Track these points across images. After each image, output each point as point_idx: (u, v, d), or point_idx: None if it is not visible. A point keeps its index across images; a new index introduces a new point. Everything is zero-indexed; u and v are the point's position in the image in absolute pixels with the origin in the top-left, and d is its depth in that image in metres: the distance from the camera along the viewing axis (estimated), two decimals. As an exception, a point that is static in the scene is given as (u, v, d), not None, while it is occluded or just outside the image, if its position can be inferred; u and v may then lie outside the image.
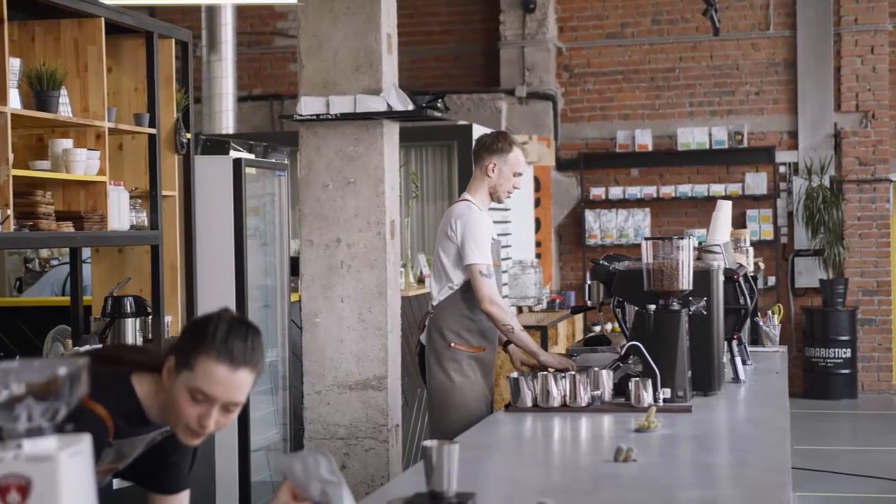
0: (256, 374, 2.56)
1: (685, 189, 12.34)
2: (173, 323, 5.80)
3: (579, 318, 10.82)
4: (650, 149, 12.45)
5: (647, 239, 4.38)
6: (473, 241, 4.97)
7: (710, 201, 11.37)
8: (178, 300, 5.84)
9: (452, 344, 5.05)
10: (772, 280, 12.16)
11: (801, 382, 12.04)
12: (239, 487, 6.14)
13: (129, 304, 5.40)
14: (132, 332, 5.40)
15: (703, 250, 5.16)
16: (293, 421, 6.64)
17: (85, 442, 1.82)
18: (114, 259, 5.71)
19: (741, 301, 4.94)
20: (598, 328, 10.52)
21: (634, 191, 12.44)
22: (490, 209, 5.08)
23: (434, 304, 5.15)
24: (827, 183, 11.97)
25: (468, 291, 5.03)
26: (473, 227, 4.99)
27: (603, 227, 12.50)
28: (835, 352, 11.82)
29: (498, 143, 5.15)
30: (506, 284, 9.64)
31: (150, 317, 5.55)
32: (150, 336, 5.57)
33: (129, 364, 2.68)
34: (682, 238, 4.36)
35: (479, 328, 5.09)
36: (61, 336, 5.73)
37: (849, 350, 11.85)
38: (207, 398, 2.50)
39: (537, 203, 11.94)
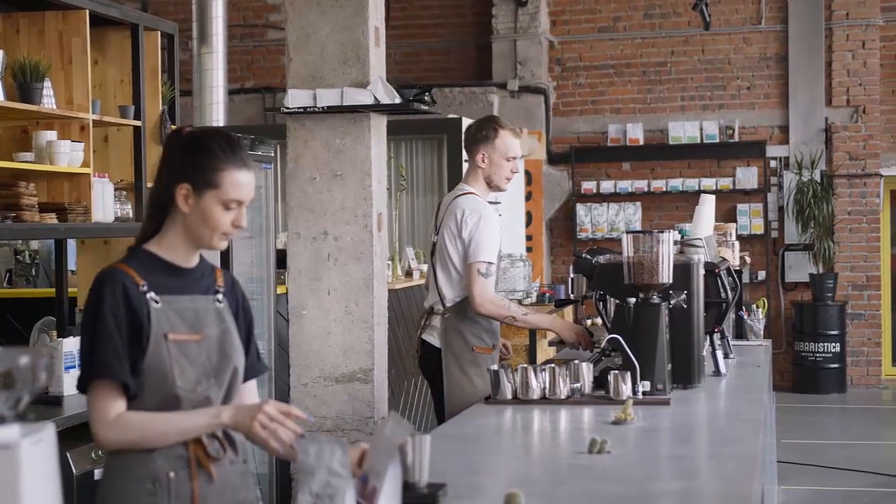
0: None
1: (676, 183, 12.35)
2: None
3: (571, 311, 10.84)
4: (641, 143, 12.47)
5: (628, 232, 4.39)
6: (483, 238, 4.87)
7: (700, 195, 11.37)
8: (162, 292, 5.84)
9: (475, 348, 4.97)
10: (762, 274, 12.19)
11: (790, 377, 12.08)
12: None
13: (113, 296, 5.39)
14: (116, 323, 5.39)
15: (685, 244, 5.18)
16: (279, 413, 6.64)
17: (48, 430, 1.84)
18: (100, 250, 5.72)
19: (722, 295, 4.95)
20: (589, 322, 10.52)
21: (626, 185, 12.46)
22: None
23: (447, 304, 5.00)
24: (817, 177, 11.98)
25: None
26: (486, 224, 4.90)
27: (594, 220, 12.52)
28: (824, 346, 11.84)
29: (482, 131, 5.04)
30: (495, 278, 9.66)
31: (134, 308, 5.56)
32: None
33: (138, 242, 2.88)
34: (663, 232, 4.37)
35: (492, 326, 5.04)
36: (47, 327, 5.74)
37: (838, 344, 11.87)
38: (239, 203, 2.81)
39: (528, 197, 11.96)
